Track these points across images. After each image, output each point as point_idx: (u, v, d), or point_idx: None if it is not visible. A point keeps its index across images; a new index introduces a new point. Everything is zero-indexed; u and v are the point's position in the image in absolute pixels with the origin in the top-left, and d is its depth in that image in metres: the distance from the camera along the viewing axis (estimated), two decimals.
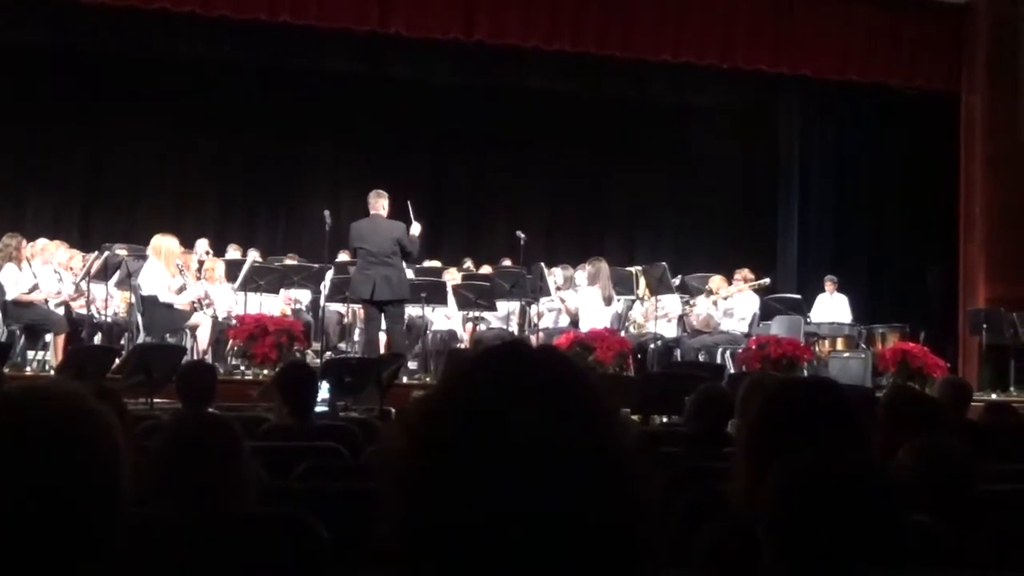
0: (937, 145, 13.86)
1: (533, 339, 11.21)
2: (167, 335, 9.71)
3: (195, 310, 10.00)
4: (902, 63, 13.36)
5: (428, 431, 1.05)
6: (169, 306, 9.72)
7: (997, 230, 13.17)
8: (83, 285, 10.15)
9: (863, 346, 12.10)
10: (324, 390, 6.75)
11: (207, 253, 11.94)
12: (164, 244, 9.85)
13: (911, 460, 2.39)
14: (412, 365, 10.99)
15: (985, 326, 12.11)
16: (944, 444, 2.46)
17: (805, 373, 10.60)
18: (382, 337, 10.27)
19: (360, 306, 11.20)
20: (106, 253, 10.36)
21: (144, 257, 10.09)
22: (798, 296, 12.41)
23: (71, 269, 10.69)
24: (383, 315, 10.04)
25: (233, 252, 12.43)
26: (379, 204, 10.00)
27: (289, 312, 11.43)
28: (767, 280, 12.08)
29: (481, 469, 0.99)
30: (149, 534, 1.80)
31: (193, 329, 9.89)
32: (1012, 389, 11.50)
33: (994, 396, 11.01)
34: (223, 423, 2.35)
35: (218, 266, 11.07)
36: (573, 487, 0.99)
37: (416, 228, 10.04)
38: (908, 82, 13.54)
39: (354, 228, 10.00)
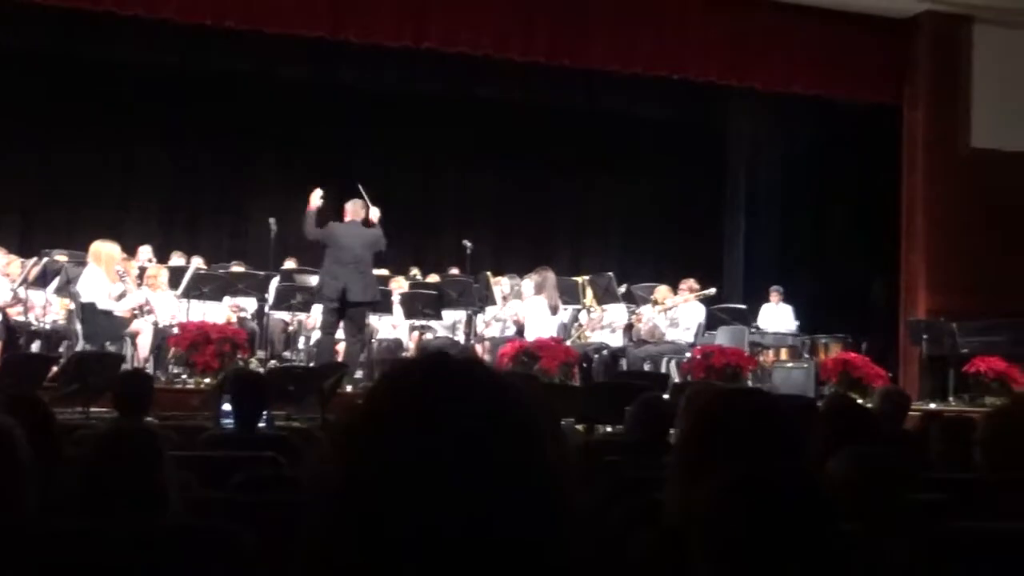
0: (881, 157, 14.06)
1: (479, 348, 11.20)
2: (107, 343, 9.57)
3: (135, 317, 9.86)
4: (846, 77, 13.54)
5: (351, 444, 1.05)
6: (109, 313, 9.59)
7: (938, 241, 13.37)
8: (21, 292, 9.97)
9: (806, 356, 12.24)
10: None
11: (150, 260, 11.78)
12: (104, 250, 9.71)
13: (841, 469, 2.41)
14: (358, 374, 10.93)
15: (925, 336, 12.29)
16: (873, 453, 2.48)
17: (749, 383, 10.69)
18: (340, 346, 10.26)
19: (307, 314, 11.15)
20: (45, 259, 10.19)
21: (84, 263, 9.94)
22: (743, 306, 12.52)
23: (8, 275, 10.50)
24: (343, 321, 9.99)
25: (177, 259, 12.29)
26: (357, 211, 10.08)
27: (235, 320, 11.31)
28: (712, 290, 12.17)
29: (402, 482, 0.99)
30: (65, 543, 1.76)
31: (134, 337, 9.76)
32: (951, 399, 11.67)
33: (932, 406, 11.16)
34: (145, 433, 2.31)
35: (161, 273, 10.93)
36: (496, 501, 0.99)
37: (376, 213, 10.16)
38: (852, 95, 13.71)
39: (332, 228, 10.00)
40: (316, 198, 10.09)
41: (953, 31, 13.53)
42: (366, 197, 10.23)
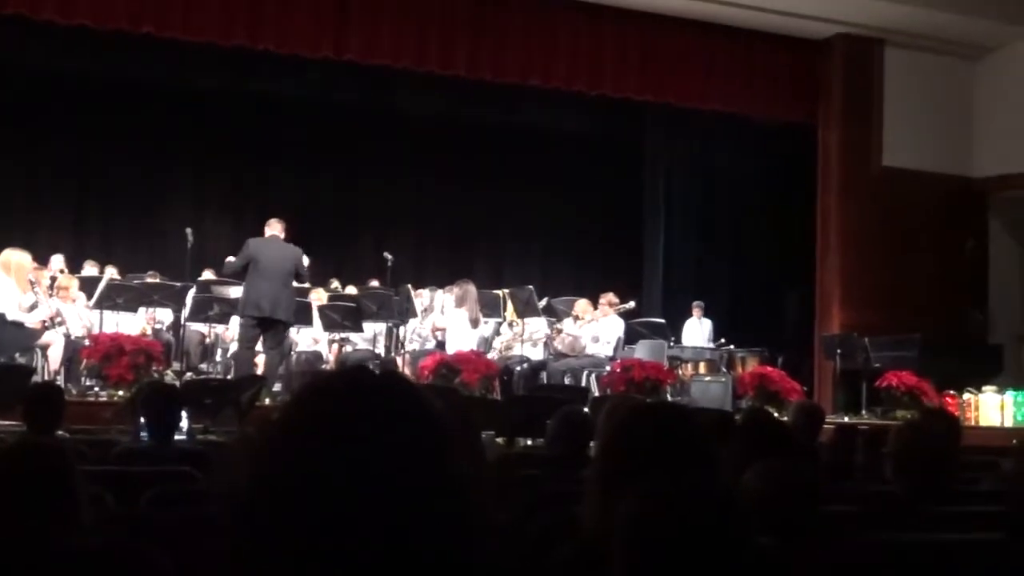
0: (796, 174, 14.34)
1: (399, 360, 11.15)
2: (16, 354, 9.32)
3: (46, 328, 9.62)
4: (762, 96, 13.79)
5: (267, 456, 1.05)
6: (19, 324, 9.34)
7: (851, 258, 13.67)
8: None
9: (724, 370, 12.40)
10: (183, 417, 6.59)
11: (61, 271, 11.51)
12: (14, 259, 9.46)
13: (756, 482, 2.44)
14: (276, 387, 10.81)
15: (839, 351, 12.53)
16: (787, 467, 2.52)
17: (668, 396, 10.80)
18: (259, 359, 10.15)
19: (225, 326, 11.02)
20: None
21: None
22: (662, 320, 12.65)
23: None
24: (263, 335, 9.90)
25: (90, 268, 12.03)
26: (279, 228, 10.07)
27: (150, 331, 11.11)
28: (632, 304, 12.28)
29: (318, 495, 1.00)
30: None
31: (44, 348, 9.53)
32: (864, 412, 11.90)
33: (846, 419, 11.38)
34: (51, 448, 2.25)
35: (72, 283, 10.67)
36: (412, 514, 1.00)
37: (305, 260, 10.22)
38: (768, 113, 13.97)
39: (253, 243, 9.95)
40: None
41: (865, 53, 13.87)
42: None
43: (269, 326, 9.88)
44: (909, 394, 11.45)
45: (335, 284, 13.18)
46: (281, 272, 9.83)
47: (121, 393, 8.93)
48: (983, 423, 11.70)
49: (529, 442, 7.89)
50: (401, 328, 11.53)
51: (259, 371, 9.82)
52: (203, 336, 11.82)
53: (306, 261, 10.23)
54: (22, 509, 2.05)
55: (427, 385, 9.14)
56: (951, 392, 11.93)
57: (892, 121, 13.85)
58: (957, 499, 3.48)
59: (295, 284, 10.38)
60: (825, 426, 5.93)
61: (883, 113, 13.88)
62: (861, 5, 12.99)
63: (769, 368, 11.85)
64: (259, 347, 10.19)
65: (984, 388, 12.05)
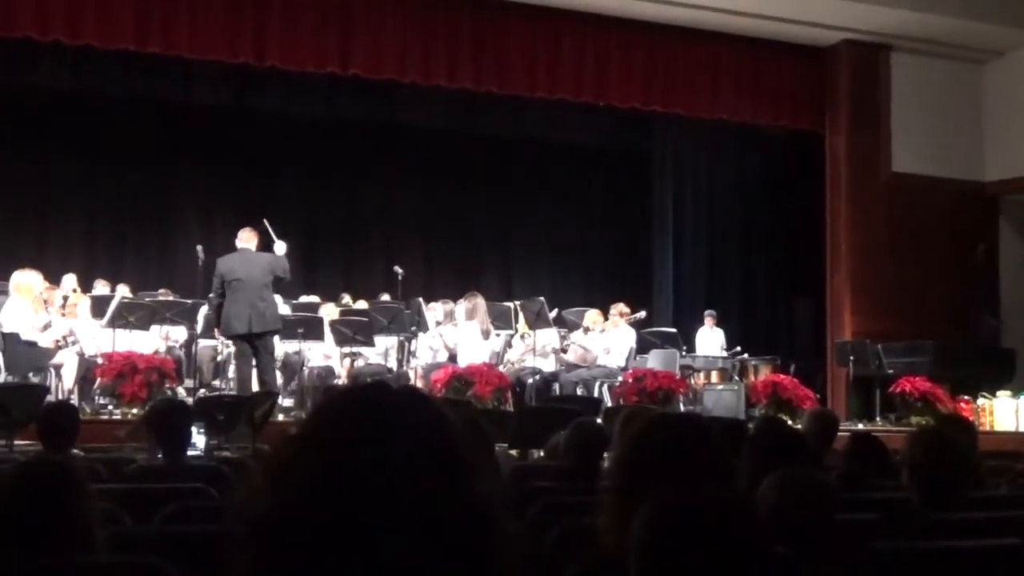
0: (805, 181, 14.32)
1: (411, 374, 11.15)
2: (30, 374, 9.35)
3: (60, 348, 9.66)
4: (768, 104, 13.79)
5: (285, 473, 1.04)
6: (32, 344, 9.38)
7: (861, 265, 13.63)
8: None
9: (736, 378, 12.37)
10: (197, 434, 6.60)
11: (74, 290, 11.54)
12: (25, 280, 9.51)
13: (772, 492, 2.44)
14: (288, 402, 10.82)
15: (852, 358, 12.49)
16: (803, 475, 2.51)
17: (681, 406, 10.77)
18: (254, 373, 10.08)
19: (232, 343, 11.00)
20: None
21: (5, 293, 9.72)
22: (673, 330, 12.63)
23: None
24: (254, 350, 9.83)
25: (102, 288, 12.05)
26: (250, 238, 9.86)
27: (163, 349, 11.13)
28: (642, 313, 12.26)
29: (337, 512, 0.99)
30: None
31: (58, 368, 9.56)
32: (878, 419, 11.86)
33: (860, 426, 11.34)
34: (64, 466, 2.25)
35: (82, 302, 10.70)
36: (431, 529, 0.99)
37: (282, 247, 9.98)
38: (776, 122, 13.97)
39: (222, 263, 9.76)
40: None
41: (871, 59, 13.87)
42: (272, 232, 10.06)
43: (257, 338, 9.74)
44: (923, 400, 11.41)
45: (346, 299, 13.19)
46: (257, 284, 9.61)
47: (135, 411, 8.95)
48: (998, 428, 11.66)
49: (542, 454, 7.88)
50: (412, 341, 11.53)
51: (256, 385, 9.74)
52: (215, 352, 11.84)
53: (282, 249, 9.93)
54: (34, 526, 2.05)
55: (440, 398, 9.13)
56: (965, 397, 11.89)
57: (900, 127, 13.84)
58: (973, 505, 3.46)
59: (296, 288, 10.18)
60: (839, 433, 5.91)
61: (891, 119, 13.86)
62: (867, 11, 12.99)
63: (782, 376, 11.82)
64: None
65: (998, 393, 12.01)
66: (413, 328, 11.36)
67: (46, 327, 9.51)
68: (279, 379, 10.54)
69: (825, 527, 2.41)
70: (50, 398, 8.44)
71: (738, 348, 13.23)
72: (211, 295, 9.97)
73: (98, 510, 2.21)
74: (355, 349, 11.35)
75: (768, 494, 2.42)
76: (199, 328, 10.89)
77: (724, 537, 1.71)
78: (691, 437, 2.20)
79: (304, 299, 12.32)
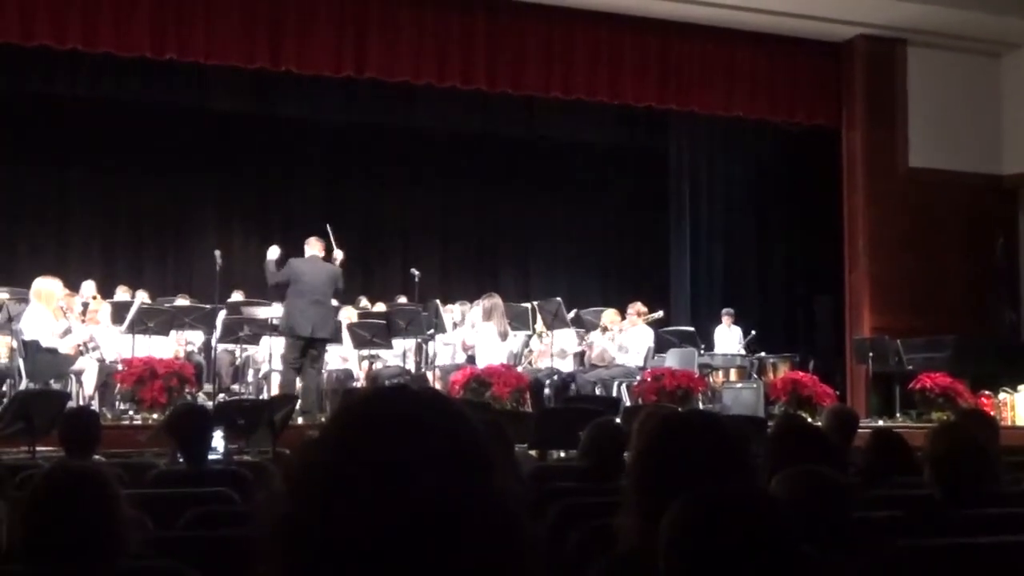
0: (822, 178, 14.27)
1: (430, 376, 11.16)
2: (51, 381, 9.40)
3: (80, 354, 9.71)
4: (784, 100, 13.75)
5: (306, 478, 1.04)
6: (53, 351, 9.42)
7: (880, 261, 13.58)
8: None
9: (755, 376, 12.33)
10: (218, 438, 6.63)
11: (94, 298, 11.60)
12: (46, 287, 9.55)
13: (785, 489, 2.43)
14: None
15: (871, 355, 12.43)
16: (811, 472, 2.50)
17: (700, 404, 10.74)
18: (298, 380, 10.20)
19: (255, 347, 11.06)
20: None
21: (26, 300, 9.77)
22: (691, 328, 12.59)
23: None
24: (306, 356, 9.96)
25: (122, 294, 12.12)
26: (318, 246, 10.19)
27: (183, 354, 11.18)
28: (660, 313, 12.23)
29: (359, 516, 0.99)
30: None
31: (78, 374, 9.60)
32: (898, 415, 11.81)
33: (881, 423, 11.29)
34: (93, 472, 2.26)
35: (102, 308, 10.76)
36: (453, 533, 0.99)
37: (339, 255, 10.35)
38: (791, 118, 13.93)
39: (293, 263, 10.06)
40: (273, 252, 10.23)
41: (887, 54, 13.81)
42: (332, 239, 10.38)
43: (311, 345, 9.98)
44: (944, 396, 11.34)
45: (363, 302, 13.23)
46: (321, 291, 9.95)
47: (155, 416, 8.99)
48: (1019, 423, 11.59)
49: (562, 454, 7.88)
50: (430, 343, 11.55)
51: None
52: (233, 357, 11.88)
53: (340, 256, 10.37)
54: (67, 534, 2.06)
55: (462, 401, 9.13)
56: (986, 392, 11.81)
57: (917, 121, 13.77)
58: (995, 501, 3.44)
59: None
60: (860, 430, 5.89)
61: (908, 113, 13.80)
62: (882, 6, 12.94)
63: (801, 373, 11.78)
64: None
65: (1019, 387, 11.93)
66: (431, 330, 11.37)
67: (66, 333, 9.56)
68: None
69: (838, 524, 2.40)
70: (71, 404, 8.47)
71: (752, 333, 13.21)
72: (273, 269, 10.11)
73: (129, 516, 2.22)
74: (373, 352, 11.37)
75: (777, 491, 2.41)
76: (218, 333, 10.93)
77: (755, 535, 1.70)
78: (710, 435, 2.19)
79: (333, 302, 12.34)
